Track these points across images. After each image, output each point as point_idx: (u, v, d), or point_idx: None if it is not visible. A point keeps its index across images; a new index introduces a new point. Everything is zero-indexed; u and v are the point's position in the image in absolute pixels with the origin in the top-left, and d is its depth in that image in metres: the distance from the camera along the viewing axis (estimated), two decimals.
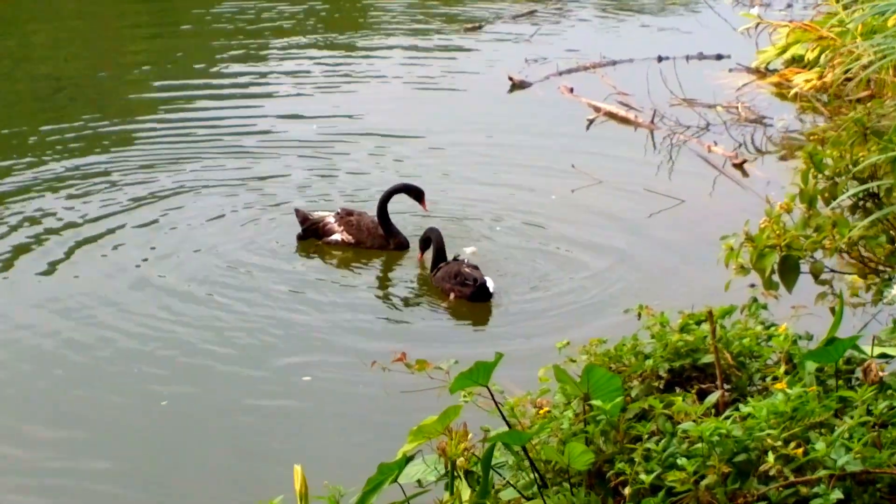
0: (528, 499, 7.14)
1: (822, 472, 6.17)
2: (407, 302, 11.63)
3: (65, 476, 10.29)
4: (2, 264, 13.32)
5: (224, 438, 10.13)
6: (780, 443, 6.29)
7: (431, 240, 11.81)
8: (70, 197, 14.76)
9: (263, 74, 17.51)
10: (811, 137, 9.36)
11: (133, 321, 11.76)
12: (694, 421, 6.43)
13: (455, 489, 6.95)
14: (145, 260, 13.38)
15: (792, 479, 6.21)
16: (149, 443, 10.37)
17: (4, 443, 10.43)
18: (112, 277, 13.09)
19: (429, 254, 12.66)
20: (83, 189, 14.67)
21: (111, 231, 13.62)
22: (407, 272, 11.48)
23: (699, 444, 6.38)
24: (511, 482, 7.23)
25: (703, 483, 6.26)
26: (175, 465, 10.09)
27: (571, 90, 13.86)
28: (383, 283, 11.48)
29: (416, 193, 11.88)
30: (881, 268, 7.62)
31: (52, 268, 13.21)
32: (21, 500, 10.08)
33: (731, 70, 14.27)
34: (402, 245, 12.01)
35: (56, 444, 10.61)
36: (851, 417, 6.35)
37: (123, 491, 10.20)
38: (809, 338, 7.73)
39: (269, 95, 16.07)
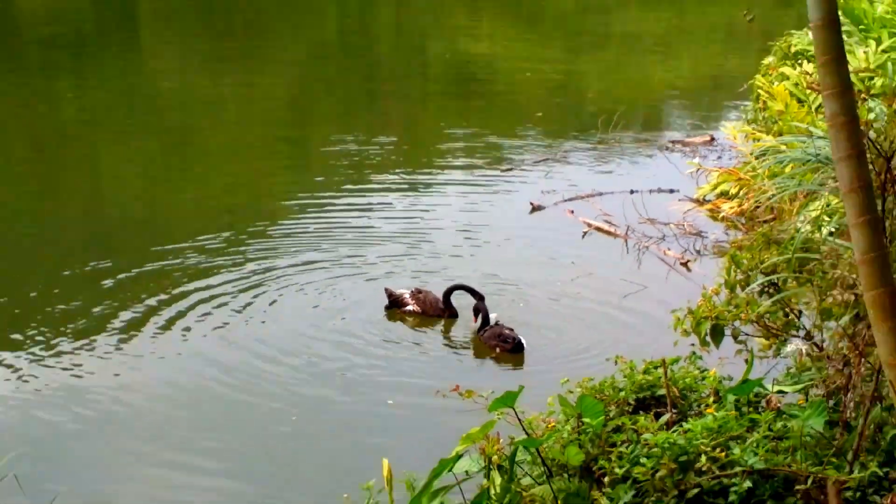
0: (539, 483, 7.04)
1: (737, 469, 6.28)
2: (459, 353, 11.38)
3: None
4: (178, 329, 11.83)
5: (333, 443, 9.72)
6: (709, 448, 6.37)
7: (480, 310, 11.41)
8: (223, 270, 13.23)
9: (364, 193, 16.98)
10: (733, 245, 9.72)
11: (261, 369, 10.91)
12: (652, 433, 6.60)
13: (491, 477, 6.91)
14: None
15: (717, 473, 6.27)
16: (280, 449, 9.69)
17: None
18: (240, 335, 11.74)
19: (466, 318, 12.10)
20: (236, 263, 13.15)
21: (246, 305, 12.24)
22: (459, 333, 11.37)
23: (655, 449, 6.43)
24: (528, 473, 7.18)
25: (658, 475, 6.30)
26: (296, 459, 9.52)
27: (572, 212, 13.96)
28: (444, 340, 11.38)
29: (473, 292, 11.74)
30: (779, 333, 7.23)
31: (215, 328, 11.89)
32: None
33: (679, 199, 14.23)
34: (454, 315, 11.81)
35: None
36: (758, 432, 6.49)
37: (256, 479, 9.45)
38: (730, 379, 7.73)
39: (368, 208, 15.79)
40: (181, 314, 12.37)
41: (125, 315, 12.15)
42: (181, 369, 11.16)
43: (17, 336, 11.89)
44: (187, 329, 12.04)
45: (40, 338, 11.73)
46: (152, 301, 12.63)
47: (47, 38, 30.88)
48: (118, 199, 18.01)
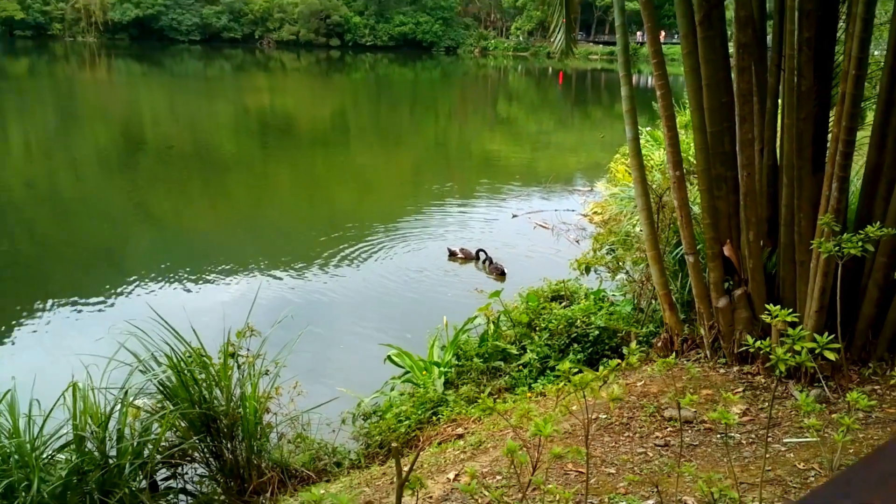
0: (508, 329, 7.11)
1: (592, 326, 6.52)
2: (479, 276, 10.88)
3: None
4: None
5: (425, 310, 9.50)
6: (581, 317, 6.62)
7: (487, 256, 11.09)
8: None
9: (441, 207, 16.51)
10: (597, 234, 9.05)
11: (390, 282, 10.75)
12: (557, 311, 7.09)
13: (488, 326, 7.22)
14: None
15: (584, 327, 6.46)
16: (401, 313, 9.73)
17: None
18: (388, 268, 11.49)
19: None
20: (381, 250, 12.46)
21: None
22: (478, 267, 11.44)
23: (558, 316, 6.75)
24: (504, 325, 7.25)
25: (559, 326, 6.60)
26: (408, 316, 9.52)
27: (529, 218, 13.88)
28: (472, 271, 11.17)
29: (483, 251, 11.62)
30: (614, 270, 7.37)
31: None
32: None
33: (577, 214, 14.28)
34: (470, 258, 11.65)
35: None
36: (602, 311, 6.77)
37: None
38: (592, 289, 7.83)
39: (445, 215, 15.42)
40: (362, 258, 11.70)
41: (336, 257, 11.66)
42: (363, 279, 10.81)
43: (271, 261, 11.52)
44: (362, 262, 11.48)
45: (301, 265, 11.33)
46: (351, 251, 11.96)
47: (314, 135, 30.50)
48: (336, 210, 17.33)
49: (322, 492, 4.13)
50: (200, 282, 10.66)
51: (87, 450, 4.42)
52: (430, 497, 3.27)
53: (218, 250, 12.66)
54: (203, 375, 5.04)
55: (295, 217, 16.05)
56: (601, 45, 75.08)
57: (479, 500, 3.01)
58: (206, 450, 5.06)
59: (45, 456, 4.34)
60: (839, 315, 3.82)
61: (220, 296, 10.03)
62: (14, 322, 9.11)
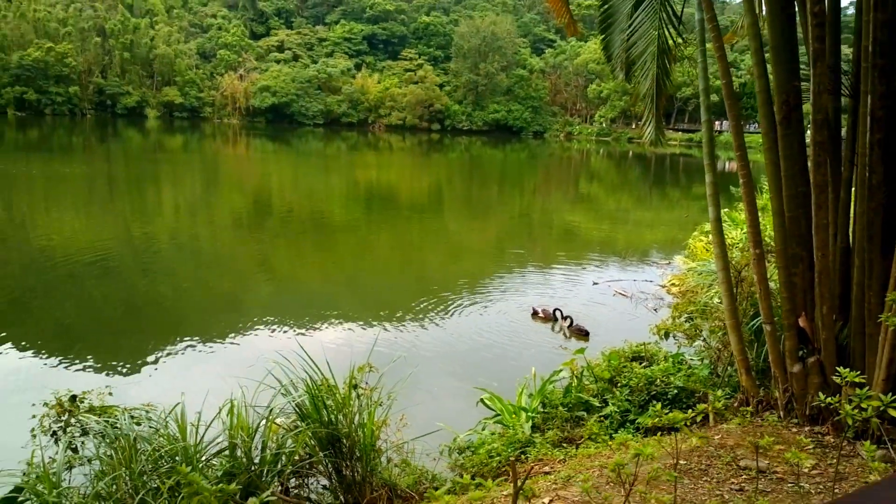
0: (591, 384, 7.11)
1: (671, 385, 6.56)
2: (558, 338, 10.66)
3: None
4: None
5: (515, 362, 9.65)
6: (661, 376, 6.56)
7: (569, 317, 10.96)
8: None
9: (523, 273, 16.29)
10: (675, 304, 9.15)
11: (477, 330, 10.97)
12: (638, 369, 6.89)
13: (571, 379, 7.24)
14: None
15: (663, 386, 6.39)
16: (488, 363, 9.76)
17: None
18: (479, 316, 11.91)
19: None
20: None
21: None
22: (553, 329, 11.68)
23: (638, 374, 6.67)
24: (587, 379, 7.27)
25: (639, 384, 6.51)
26: (497, 367, 9.59)
27: (609, 286, 13.65)
28: (554, 330, 11.12)
29: (561, 312, 11.75)
30: (692, 337, 7.34)
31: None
32: None
33: (656, 285, 14.15)
34: (550, 318, 11.35)
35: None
36: (681, 372, 6.79)
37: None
38: (671, 352, 7.61)
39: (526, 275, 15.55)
40: (452, 314, 11.93)
41: (429, 312, 11.92)
42: (453, 332, 11.00)
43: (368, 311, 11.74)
44: (452, 317, 11.70)
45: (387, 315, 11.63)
46: (442, 307, 12.21)
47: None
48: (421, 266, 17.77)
49: None
50: (306, 327, 11.05)
51: (237, 456, 4.89)
52: None
53: (322, 301, 13.23)
54: (331, 402, 5.45)
55: (393, 275, 16.44)
56: (680, 133, 74.61)
57: None
58: (329, 465, 5.40)
59: (203, 459, 4.83)
60: None
61: (324, 340, 10.33)
62: (159, 350, 9.77)
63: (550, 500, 3.69)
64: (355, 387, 5.64)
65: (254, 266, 16.49)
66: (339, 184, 36.41)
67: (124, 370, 9.05)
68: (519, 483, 2.46)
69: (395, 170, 46.88)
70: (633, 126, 79.39)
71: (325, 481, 5.46)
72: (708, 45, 5.63)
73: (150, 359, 9.45)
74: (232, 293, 13.87)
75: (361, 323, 11.36)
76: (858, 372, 2.93)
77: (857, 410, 2.71)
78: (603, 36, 7.13)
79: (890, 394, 2.99)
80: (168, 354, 9.67)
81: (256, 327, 10.94)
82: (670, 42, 6.55)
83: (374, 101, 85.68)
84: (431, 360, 9.83)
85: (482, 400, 7.45)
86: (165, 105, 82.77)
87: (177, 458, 4.59)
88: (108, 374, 8.85)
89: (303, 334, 10.68)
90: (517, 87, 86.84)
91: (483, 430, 6.86)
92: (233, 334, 10.65)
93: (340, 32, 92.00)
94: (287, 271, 16.47)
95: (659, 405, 6.08)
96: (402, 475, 5.63)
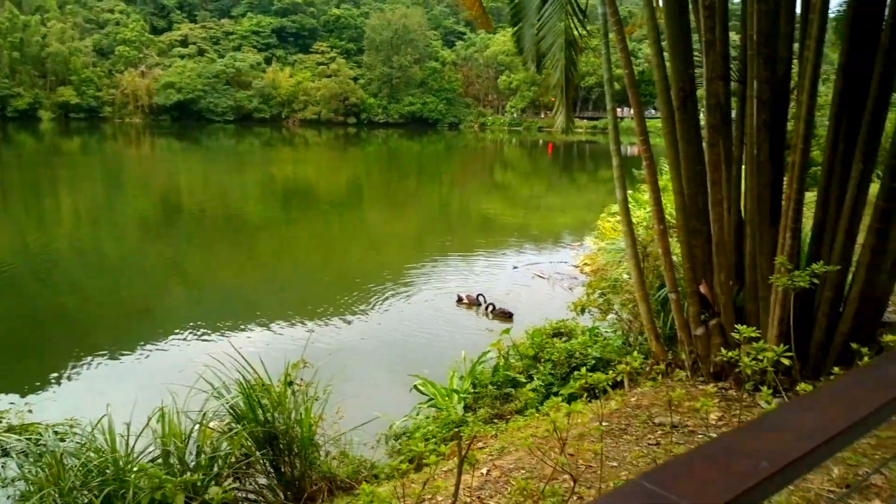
0: (517, 361, 7.28)
1: (589, 356, 6.83)
2: (483, 320, 10.80)
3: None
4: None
5: (442, 347, 9.75)
6: (580, 349, 6.99)
7: (490, 302, 11.27)
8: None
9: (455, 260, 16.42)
10: (589, 282, 9.60)
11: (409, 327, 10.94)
12: (559, 344, 6.82)
13: (498, 359, 7.30)
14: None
15: (582, 358, 6.78)
16: (418, 350, 9.86)
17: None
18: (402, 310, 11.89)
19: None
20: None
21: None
22: (478, 313, 11.59)
23: (559, 349, 6.97)
24: (514, 357, 7.52)
25: (560, 357, 6.82)
26: (426, 352, 9.68)
27: (528, 269, 13.99)
28: (479, 314, 11.35)
29: (485, 301, 11.96)
30: (605, 311, 7.74)
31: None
32: None
33: (569, 266, 14.67)
34: (474, 304, 11.47)
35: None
36: (597, 344, 7.15)
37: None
38: (587, 327, 8.02)
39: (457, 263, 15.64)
40: (378, 305, 11.93)
41: (354, 305, 11.88)
42: (380, 323, 11.01)
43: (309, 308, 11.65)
44: (378, 309, 11.70)
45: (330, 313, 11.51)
46: (367, 299, 12.17)
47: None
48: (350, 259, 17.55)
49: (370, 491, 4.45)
50: (232, 329, 10.76)
51: (171, 463, 4.76)
52: (469, 487, 3.62)
53: (245, 301, 12.87)
54: (266, 401, 5.40)
55: (317, 272, 16.20)
56: (585, 120, 76.99)
57: (511, 487, 3.38)
58: (267, 463, 5.37)
59: (136, 469, 4.69)
60: (794, 341, 4.23)
61: (253, 340, 10.12)
62: (63, 366, 9.24)
63: (488, 471, 3.86)
64: (290, 384, 5.63)
65: (166, 270, 15.85)
66: (253, 181, 35.38)
67: (39, 387, 8.53)
68: (464, 452, 2.59)
69: (313, 165, 45.97)
70: (542, 115, 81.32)
71: (264, 480, 5.43)
72: (611, 37, 5.92)
73: (67, 373, 8.98)
74: (145, 300, 13.32)
75: (290, 321, 11.21)
76: (754, 328, 3.23)
77: (754, 362, 2.99)
78: (514, 30, 7.34)
79: (782, 345, 3.32)
80: (85, 367, 9.21)
81: (178, 333, 10.59)
82: (576, 34, 6.83)
83: (286, 96, 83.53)
84: (364, 353, 9.85)
85: (416, 386, 7.61)
86: (61, 106, 77.27)
87: (107, 470, 4.45)
88: (21, 393, 8.31)
89: (231, 336, 10.40)
90: (431, 80, 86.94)
91: (418, 415, 7.03)
92: (153, 341, 10.27)
93: (248, 26, 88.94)
94: (204, 274, 15.94)
95: (584, 369, 6.40)
96: (341, 466, 5.68)
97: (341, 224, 23.45)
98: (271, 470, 5.38)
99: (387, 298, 12.45)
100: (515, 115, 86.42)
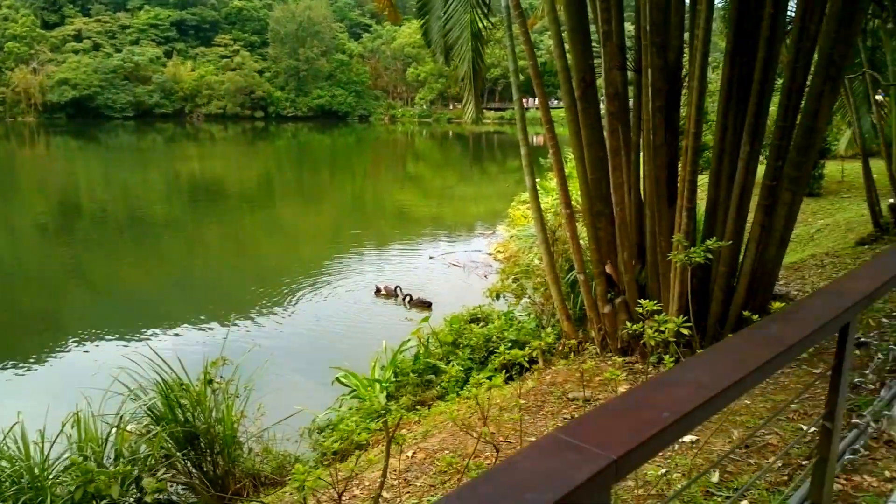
0: (437, 349, 7.28)
1: (506, 338, 6.75)
2: (401, 310, 10.89)
3: None
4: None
5: (363, 337, 9.65)
6: (497, 332, 6.98)
7: (409, 294, 11.24)
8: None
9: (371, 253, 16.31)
10: (503, 268, 9.95)
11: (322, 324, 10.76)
12: (476, 329, 6.87)
13: (419, 346, 7.29)
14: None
15: (498, 341, 6.81)
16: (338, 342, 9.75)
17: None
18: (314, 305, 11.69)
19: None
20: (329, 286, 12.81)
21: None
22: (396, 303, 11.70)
23: (477, 334, 6.79)
24: (433, 345, 7.46)
25: (478, 342, 6.82)
26: (347, 345, 9.52)
27: (443, 258, 14.09)
28: (398, 304, 11.28)
29: (400, 288, 11.98)
30: (519, 295, 8.00)
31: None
32: None
33: (483, 253, 14.97)
34: (393, 294, 11.66)
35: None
36: (512, 327, 7.11)
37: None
38: (503, 311, 8.18)
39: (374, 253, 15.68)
40: (295, 301, 11.69)
41: (271, 302, 11.68)
42: (300, 318, 10.88)
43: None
44: (296, 304, 11.49)
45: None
46: (284, 295, 11.92)
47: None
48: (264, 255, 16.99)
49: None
50: (143, 332, 10.25)
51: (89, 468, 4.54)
52: (395, 470, 3.67)
53: (156, 304, 12.33)
54: (185, 400, 5.23)
55: (231, 270, 15.71)
56: (493, 111, 78.15)
57: (436, 467, 3.45)
58: (189, 463, 5.22)
59: (52, 476, 4.43)
60: (693, 314, 4.51)
61: (168, 342, 9.69)
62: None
63: (413, 453, 3.92)
64: (210, 382, 5.47)
65: (69, 275, 14.96)
66: (157, 179, 33.82)
67: None
68: (391, 434, 2.63)
69: (220, 160, 44.37)
70: (451, 107, 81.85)
71: (186, 480, 5.26)
72: (514, 28, 6.06)
73: None
74: (49, 307, 12.54)
75: (207, 321, 10.84)
76: (656, 302, 3.44)
77: (657, 334, 3.17)
78: (421, 22, 7.37)
79: (682, 316, 3.54)
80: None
81: (87, 338, 10.04)
82: (480, 26, 6.94)
83: (189, 90, 79.81)
84: (284, 348, 9.68)
85: (337, 378, 7.54)
86: None
87: (22, 479, 4.21)
88: None
89: (145, 338, 9.98)
90: (339, 72, 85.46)
91: (340, 407, 7.00)
92: (62, 348, 9.72)
93: (145, 19, 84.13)
94: (110, 277, 15.08)
95: (502, 347, 6.53)
96: (265, 463, 5.60)
97: (254, 221, 22.77)
98: (194, 470, 5.24)
99: (304, 293, 12.26)
100: (425, 107, 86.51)
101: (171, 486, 5.25)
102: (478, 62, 7.15)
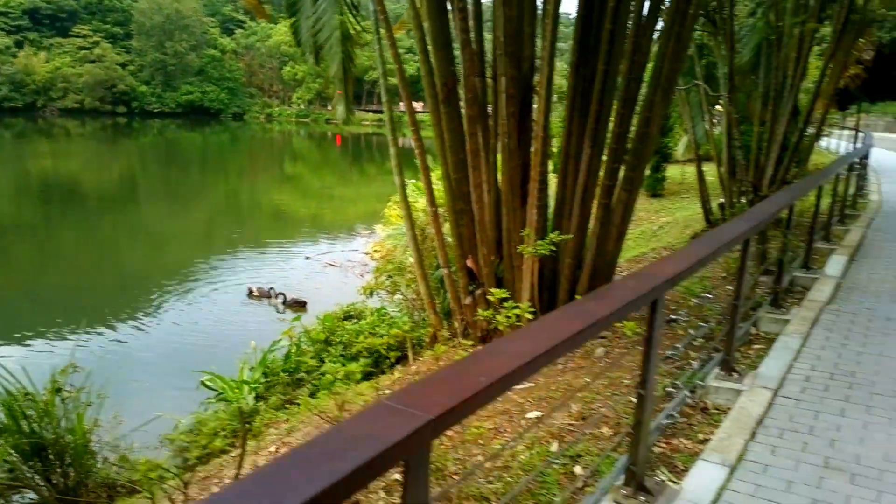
0: (309, 347, 7.20)
1: (381, 336, 6.39)
2: (276, 311, 11.06)
3: None
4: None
5: (234, 339, 9.39)
6: (368, 328, 6.89)
7: (283, 294, 11.25)
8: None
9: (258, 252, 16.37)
10: (378, 267, 9.73)
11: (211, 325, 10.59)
12: (349, 326, 6.85)
13: (291, 346, 7.30)
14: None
15: (370, 336, 6.46)
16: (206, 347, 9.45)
17: None
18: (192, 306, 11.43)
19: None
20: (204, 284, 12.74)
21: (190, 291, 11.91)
22: (269, 304, 11.42)
23: (350, 331, 7.03)
24: (306, 344, 7.32)
25: (352, 337, 6.39)
26: (216, 348, 9.34)
27: (319, 259, 14.09)
28: (271, 306, 11.37)
29: (276, 294, 11.97)
30: (392, 291, 8.06)
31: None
32: None
33: (360, 253, 14.90)
34: (265, 296, 11.58)
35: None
36: (384, 323, 7.07)
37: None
38: (375, 308, 8.27)
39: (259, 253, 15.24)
40: (161, 305, 11.37)
41: (136, 307, 11.28)
42: (168, 322, 10.60)
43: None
44: (163, 308, 11.16)
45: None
46: (150, 300, 11.51)
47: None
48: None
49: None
50: None
51: None
52: (256, 465, 3.64)
53: (5, 317, 11.23)
54: (31, 411, 4.85)
55: (89, 277, 14.60)
56: (371, 113, 77.91)
57: None
58: (37, 477, 4.83)
59: None
60: (541, 301, 4.86)
61: (15, 353, 8.86)
62: None
63: (277, 448, 3.90)
64: (59, 391, 5.11)
65: None
66: (4, 177, 30.74)
67: None
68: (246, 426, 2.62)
69: (77, 159, 40.93)
70: (330, 107, 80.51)
71: (34, 495, 4.87)
72: (381, 32, 6.16)
73: None
74: None
75: (58, 329, 10.10)
76: (506, 290, 3.67)
77: (506, 318, 3.39)
78: (292, 21, 7.27)
79: (528, 303, 3.80)
80: None
81: None
82: (351, 30, 6.98)
83: (42, 83, 72.58)
84: (147, 353, 9.26)
85: (203, 382, 7.26)
86: None
87: None
88: None
89: None
90: (210, 68, 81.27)
91: (206, 410, 6.74)
92: None
93: None
94: None
95: (361, 337, 6.54)
96: (121, 471, 5.25)
97: (115, 223, 21.35)
98: (42, 483, 4.86)
99: (171, 298, 11.75)
100: (303, 107, 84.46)
101: (18, 499, 4.90)
102: (348, 63, 7.18)
